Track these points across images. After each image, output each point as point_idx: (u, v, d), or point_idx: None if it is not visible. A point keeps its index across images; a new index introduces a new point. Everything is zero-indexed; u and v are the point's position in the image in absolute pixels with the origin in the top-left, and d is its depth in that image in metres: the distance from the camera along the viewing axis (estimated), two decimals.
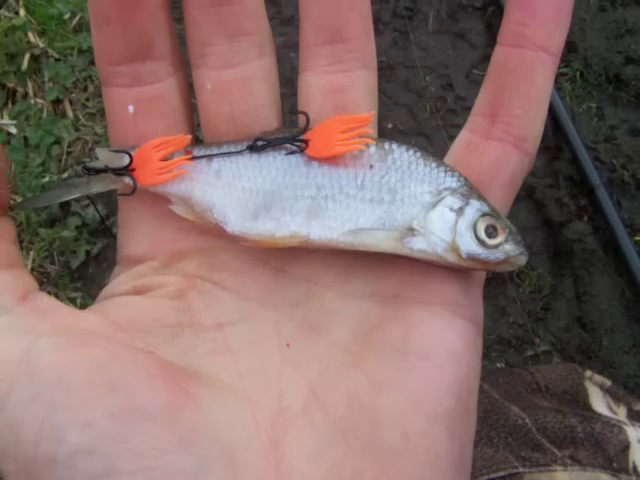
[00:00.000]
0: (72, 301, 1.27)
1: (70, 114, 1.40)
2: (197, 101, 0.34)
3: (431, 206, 0.32)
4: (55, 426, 0.26)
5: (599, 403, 0.58)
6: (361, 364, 0.31)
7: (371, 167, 0.32)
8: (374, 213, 0.32)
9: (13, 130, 1.37)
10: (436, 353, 0.30)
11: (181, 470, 0.26)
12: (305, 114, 0.33)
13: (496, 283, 1.26)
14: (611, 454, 0.52)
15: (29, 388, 0.27)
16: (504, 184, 0.33)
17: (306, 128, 0.32)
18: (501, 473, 0.51)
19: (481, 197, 0.32)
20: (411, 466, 0.28)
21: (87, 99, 1.40)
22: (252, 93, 0.33)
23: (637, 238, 1.27)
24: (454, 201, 0.32)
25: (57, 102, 1.41)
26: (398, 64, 1.41)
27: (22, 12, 1.44)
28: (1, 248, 0.31)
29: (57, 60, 1.42)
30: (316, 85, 0.33)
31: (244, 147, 0.33)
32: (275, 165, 0.33)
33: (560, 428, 0.54)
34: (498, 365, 1.23)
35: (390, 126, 1.36)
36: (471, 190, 0.32)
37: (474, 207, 0.32)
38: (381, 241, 0.31)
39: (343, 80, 0.33)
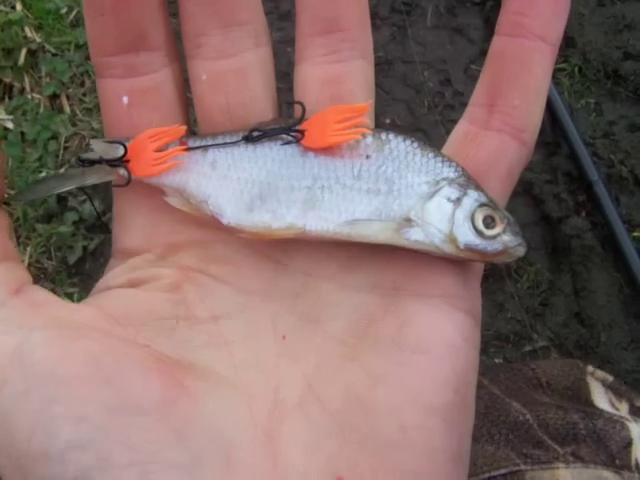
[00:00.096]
0: (69, 296, 1.27)
1: (67, 109, 1.39)
2: (192, 92, 0.33)
3: (428, 196, 0.32)
4: (48, 420, 0.26)
5: (601, 399, 0.58)
6: (358, 357, 0.30)
7: (368, 157, 0.32)
8: (371, 204, 0.32)
9: (10, 125, 1.37)
10: (434, 346, 0.30)
11: (176, 463, 0.26)
12: (301, 104, 0.32)
13: (494, 279, 1.26)
14: (613, 451, 0.52)
15: (22, 382, 0.27)
16: (502, 175, 0.33)
17: (302, 118, 0.32)
18: (502, 470, 0.51)
19: (479, 187, 0.32)
20: (408, 459, 0.28)
21: (84, 94, 1.40)
22: (247, 84, 0.32)
23: (635, 234, 1.27)
24: (451, 191, 0.32)
25: (54, 97, 1.41)
26: (396, 59, 1.41)
27: (19, 7, 1.43)
28: None
29: (54, 55, 1.41)
30: (312, 75, 0.33)
31: (240, 138, 0.32)
32: (271, 156, 0.32)
33: (562, 424, 0.53)
34: (496, 361, 1.23)
35: (388, 121, 1.36)
36: (469, 180, 0.32)
37: (472, 197, 0.32)
38: (378, 232, 0.31)
39: (340, 70, 0.32)
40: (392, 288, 0.32)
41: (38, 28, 1.43)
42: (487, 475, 0.51)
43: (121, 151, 0.32)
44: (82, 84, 1.40)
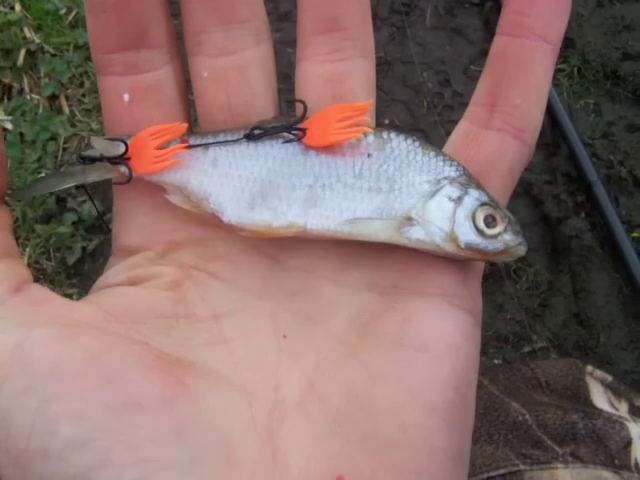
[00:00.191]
0: (68, 297, 1.25)
1: (66, 110, 1.39)
2: (193, 90, 0.33)
3: (429, 195, 0.32)
4: (48, 418, 0.26)
5: (600, 399, 0.58)
6: (358, 355, 0.30)
7: (369, 156, 0.32)
8: (372, 202, 0.32)
9: (9, 126, 1.37)
10: (434, 344, 0.30)
11: (176, 462, 0.26)
12: (303, 102, 0.32)
13: (493, 279, 1.26)
14: (613, 451, 0.52)
15: (22, 380, 0.27)
16: (503, 174, 0.33)
17: (304, 117, 0.32)
18: (501, 471, 0.51)
19: (480, 187, 0.32)
20: (408, 457, 0.28)
21: (83, 95, 1.40)
22: (248, 81, 0.32)
23: (634, 234, 1.27)
24: (453, 190, 0.32)
25: (53, 98, 1.41)
26: (395, 60, 1.41)
27: (17, 7, 1.43)
28: None
29: (53, 56, 1.41)
30: (313, 74, 0.33)
31: (241, 136, 0.32)
32: (272, 154, 0.32)
33: (561, 424, 0.53)
34: (495, 361, 1.23)
35: (387, 122, 1.36)
36: (470, 179, 0.32)
37: (473, 196, 0.32)
38: (379, 231, 0.31)
39: (341, 69, 0.32)
40: (392, 286, 0.32)
41: (37, 29, 1.43)
42: (486, 475, 0.51)
43: (122, 148, 0.32)
44: (81, 85, 1.40)
